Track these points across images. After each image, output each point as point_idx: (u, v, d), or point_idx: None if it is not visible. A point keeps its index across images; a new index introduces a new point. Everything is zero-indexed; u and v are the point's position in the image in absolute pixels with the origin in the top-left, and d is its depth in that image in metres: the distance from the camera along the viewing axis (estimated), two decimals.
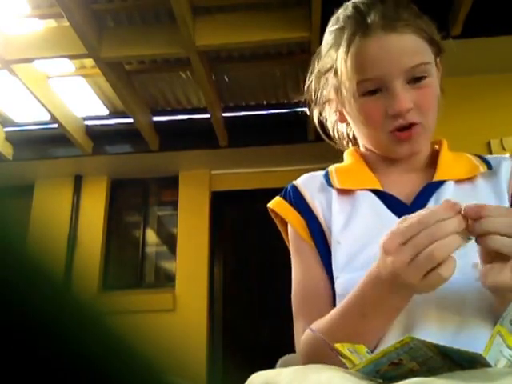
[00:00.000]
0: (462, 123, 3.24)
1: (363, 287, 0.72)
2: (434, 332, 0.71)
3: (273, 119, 4.34)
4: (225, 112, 4.39)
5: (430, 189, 0.86)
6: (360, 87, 0.84)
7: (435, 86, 0.86)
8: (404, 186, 0.89)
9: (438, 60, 0.91)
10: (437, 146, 0.97)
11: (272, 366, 0.89)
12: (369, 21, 0.83)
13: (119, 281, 4.75)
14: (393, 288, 0.67)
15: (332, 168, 0.97)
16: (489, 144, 3.25)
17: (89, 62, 3.74)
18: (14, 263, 0.25)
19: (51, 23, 3.44)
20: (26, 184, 4.76)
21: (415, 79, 0.83)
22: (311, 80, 0.96)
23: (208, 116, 4.24)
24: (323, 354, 0.70)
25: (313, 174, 0.99)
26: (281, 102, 4.30)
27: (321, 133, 1.00)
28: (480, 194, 0.85)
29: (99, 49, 3.37)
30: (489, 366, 0.50)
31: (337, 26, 0.89)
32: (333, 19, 0.92)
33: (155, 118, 4.52)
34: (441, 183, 0.86)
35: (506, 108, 3.33)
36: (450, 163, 0.90)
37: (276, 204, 0.95)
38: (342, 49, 0.86)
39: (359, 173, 0.93)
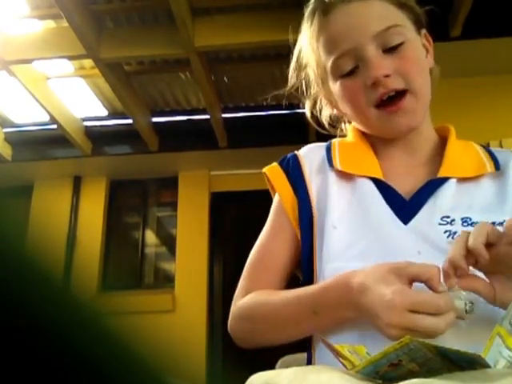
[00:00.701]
0: (461, 124, 3.20)
1: (328, 287, 0.73)
2: None
3: (272, 120, 4.35)
4: (224, 113, 4.39)
5: (431, 186, 0.82)
6: (335, 68, 0.80)
7: (417, 53, 0.81)
8: (406, 178, 0.85)
9: (422, 31, 0.86)
10: (443, 133, 0.93)
11: (272, 366, 0.90)
12: None
13: (118, 282, 4.74)
14: (355, 306, 0.68)
15: (335, 142, 0.92)
16: (488, 145, 3.25)
17: (88, 62, 3.74)
18: (13, 264, 0.25)
19: (50, 24, 3.44)
20: (25, 185, 4.75)
21: (391, 48, 0.78)
22: (291, 75, 0.93)
23: (207, 117, 4.24)
24: (255, 325, 0.81)
25: (317, 144, 0.94)
26: (280, 102, 4.29)
27: (317, 128, 0.95)
28: (481, 195, 0.81)
29: (98, 49, 3.37)
30: (488, 366, 0.50)
31: (306, 12, 0.85)
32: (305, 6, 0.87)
33: (154, 119, 4.52)
34: (443, 181, 0.82)
35: (506, 109, 3.33)
36: (457, 157, 0.85)
37: (271, 171, 0.92)
38: (307, 33, 0.83)
39: (362, 155, 0.88)
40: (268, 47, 3.60)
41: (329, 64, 0.81)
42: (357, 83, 0.79)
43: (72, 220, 4.76)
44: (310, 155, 0.91)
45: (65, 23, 3.15)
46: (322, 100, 0.92)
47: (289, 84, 0.93)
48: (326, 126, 0.95)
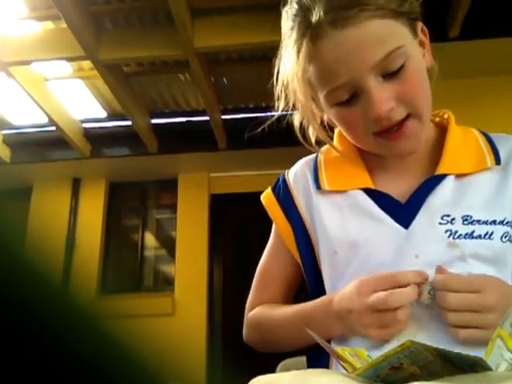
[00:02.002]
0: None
1: (316, 305, 0.78)
2: None
3: (272, 121, 4.34)
4: (224, 114, 4.40)
5: (428, 185, 0.78)
6: (330, 98, 0.74)
7: (417, 66, 0.73)
8: (401, 179, 0.81)
9: (418, 25, 0.77)
10: (442, 120, 0.89)
11: (272, 370, 0.90)
12: (313, 20, 0.70)
13: (118, 284, 4.75)
14: (337, 318, 0.74)
15: (321, 160, 0.88)
16: None
17: (87, 64, 3.75)
18: (12, 266, 0.25)
19: (49, 25, 3.44)
20: (24, 187, 4.77)
21: (391, 73, 0.71)
22: (279, 89, 0.84)
23: (207, 118, 4.25)
24: (262, 333, 0.89)
25: (306, 161, 0.92)
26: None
27: (300, 139, 0.86)
28: (481, 191, 0.77)
29: (97, 51, 3.37)
30: (490, 369, 0.50)
31: (287, 26, 0.77)
32: (283, 13, 0.79)
33: (154, 121, 4.53)
34: (441, 178, 0.78)
35: (505, 110, 3.34)
36: (456, 152, 0.80)
37: (266, 199, 0.93)
38: (293, 58, 0.75)
39: (350, 168, 0.84)
40: (267, 48, 3.58)
41: (323, 93, 0.74)
42: (355, 113, 0.73)
43: (71, 222, 4.77)
44: (297, 179, 0.89)
45: (63, 24, 3.16)
46: (308, 120, 0.84)
47: (277, 108, 0.86)
48: (313, 142, 0.87)
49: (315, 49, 0.71)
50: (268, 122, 0.90)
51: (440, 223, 0.74)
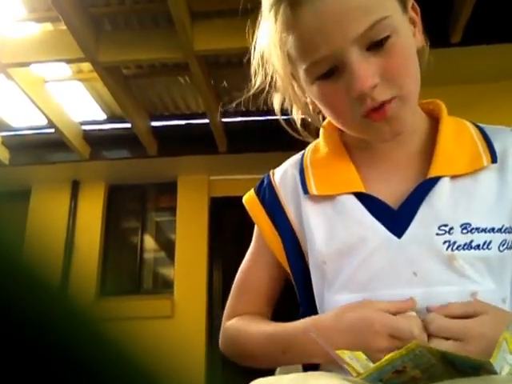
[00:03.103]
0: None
1: (297, 332, 0.73)
2: None
3: (272, 125, 4.34)
4: (224, 117, 4.40)
5: (422, 190, 0.72)
6: (310, 72, 0.68)
7: (405, 43, 0.68)
8: (393, 183, 0.76)
9: (409, 2, 0.72)
10: (432, 110, 0.83)
11: (271, 373, 0.88)
12: None
13: (117, 287, 4.75)
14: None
15: (307, 160, 0.83)
16: None
17: (86, 66, 3.75)
18: (11, 269, 0.25)
19: (48, 27, 3.44)
20: (23, 189, 4.77)
21: (375, 43, 0.65)
22: (256, 63, 0.80)
23: (207, 121, 4.26)
24: (237, 348, 0.85)
25: (292, 162, 0.86)
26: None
27: (284, 125, 0.82)
28: (479, 195, 0.72)
29: (97, 53, 3.37)
30: (495, 373, 0.49)
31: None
32: None
33: (153, 123, 4.54)
34: (435, 181, 0.72)
35: (506, 115, 3.35)
36: (450, 149, 0.75)
37: (249, 203, 0.87)
38: (271, 27, 0.70)
39: (338, 169, 0.78)
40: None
41: (303, 67, 0.69)
42: (338, 89, 0.67)
43: (70, 225, 4.78)
44: (285, 181, 0.83)
45: (63, 26, 3.16)
46: (291, 98, 0.80)
47: (253, 83, 0.81)
48: (299, 126, 0.83)
49: (293, 17, 0.65)
50: (244, 97, 0.85)
51: (437, 234, 0.69)
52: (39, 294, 0.26)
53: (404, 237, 0.70)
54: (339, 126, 0.76)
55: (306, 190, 0.78)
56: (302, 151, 0.86)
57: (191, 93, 4.20)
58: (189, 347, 4.09)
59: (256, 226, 0.88)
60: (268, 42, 0.73)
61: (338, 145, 0.81)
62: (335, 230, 0.74)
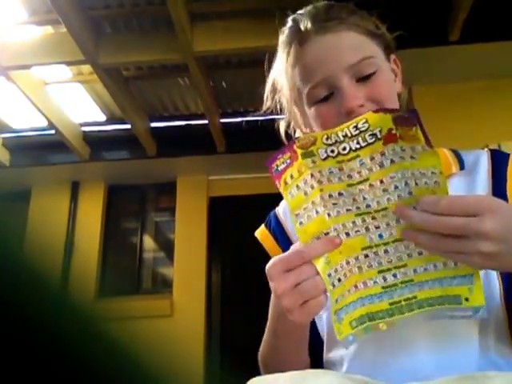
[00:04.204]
0: (461, 128, 3.26)
1: (272, 309, 0.80)
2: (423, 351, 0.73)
3: (270, 125, 4.35)
4: (222, 118, 4.40)
5: None
6: (311, 95, 0.82)
7: (388, 78, 0.83)
8: None
9: (392, 56, 0.88)
10: None
11: None
12: (302, 28, 0.82)
13: (116, 287, 4.75)
14: (281, 312, 0.70)
15: None
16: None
17: (86, 68, 3.75)
18: (11, 269, 0.25)
19: (48, 29, 3.45)
20: (23, 190, 4.77)
21: (364, 77, 0.79)
22: (267, 97, 0.95)
23: (206, 122, 4.25)
24: (263, 361, 0.89)
25: None
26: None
27: (301, 131, 0.95)
28: (450, 192, 0.80)
29: (97, 55, 3.37)
30: None
31: (281, 39, 0.88)
32: (280, 33, 0.90)
33: (153, 124, 4.54)
34: None
35: (504, 113, 3.35)
36: None
37: (260, 234, 0.99)
38: (283, 61, 0.86)
39: None
40: (266, 53, 3.60)
41: (305, 91, 0.83)
42: (331, 110, 0.80)
43: (70, 225, 4.77)
44: (285, 215, 0.96)
45: (63, 29, 3.17)
46: (295, 123, 0.94)
47: (264, 106, 0.96)
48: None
49: (301, 52, 0.82)
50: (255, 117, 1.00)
51: None
52: (40, 293, 0.26)
53: None
54: None
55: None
56: None
57: (190, 94, 4.21)
58: (188, 346, 4.10)
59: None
60: (281, 72, 0.88)
61: None
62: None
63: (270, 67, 0.94)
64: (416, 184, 0.61)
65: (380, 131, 0.61)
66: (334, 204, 0.64)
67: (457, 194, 0.77)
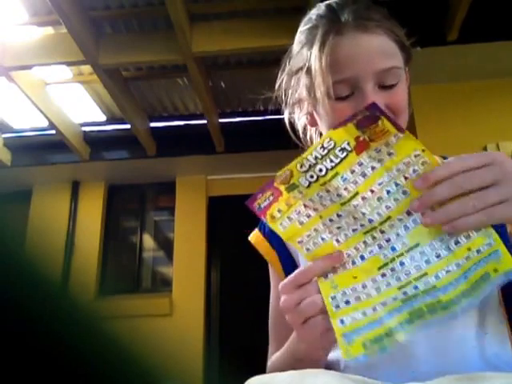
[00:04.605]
0: (459, 128, 3.27)
1: (293, 341, 0.77)
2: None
3: (269, 125, 4.36)
4: (221, 118, 4.40)
5: None
6: (333, 90, 0.80)
7: (404, 90, 0.83)
8: None
9: (407, 69, 0.88)
10: None
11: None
12: (342, 19, 0.81)
13: (116, 286, 4.75)
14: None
15: None
16: (485, 148, 3.26)
17: (86, 68, 3.76)
18: (12, 268, 0.25)
19: (49, 30, 3.45)
20: (24, 189, 4.77)
21: (387, 86, 0.80)
22: (282, 79, 0.92)
23: (205, 122, 4.26)
24: None
25: None
26: (277, 107, 4.31)
27: (292, 136, 0.96)
28: None
29: (97, 55, 3.38)
30: None
31: (310, 25, 0.85)
32: (305, 20, 0.88)
33: (152, 124, 4.54)
34: None
35: (502, 113, 3.34)
36: None
37: (254, 238, 0.99)
38: (316, 47, 0.82)
39: None
40: (265, 53, 3.62)
41: (329, 83, 0.81)
42: (348, 109, 0.79)
43: (70, 224, 4.77)
44: None
45: (64, 30, 3.17)
46: (303, 109, 0.92)
47: (276, 86, 0.93)
48: (301, 133, 0.97)
49: (337, 42, 0.80)
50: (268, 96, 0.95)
51: None
52: (40, 292, 0.26)
53: None
54: None
55: None
56: None
57: (189, 94, 4.21)
58: (187, 344, 4.10)
59: (268, 263, 0.98)
60: (313, 59, 0.83)
61: None
62: None
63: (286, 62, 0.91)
64: (405, 178, 0.59)
65: (348, 143, 0.60)
66: (338, 228, 0.63)
67: None
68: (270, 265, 0.98)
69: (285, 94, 0.92)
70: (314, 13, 0.87)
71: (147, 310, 4.31)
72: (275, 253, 0.94)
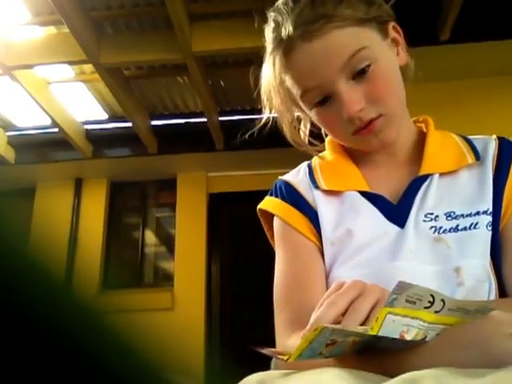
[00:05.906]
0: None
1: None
2: None
3: (268, 123, 4.37)
4: (221, 116, 4.42)
5: (416, 185, 0.83)
6: (306, 99, 0.80)
7: (386, 68, 0.78)
8: (391, 182, 0.86)
9: (390, 24, 0.82)
10: (422, 125, 0.93)
11: (267, 363, 0.91)
12: (284, 34, 0.77)
13: (119, 281, 4.78)
14: None
15: (316, 164, 0.93)
16: None
17: (88, 67, 3.78)
18: (17, 264, 0.25)
19: (51, 30, 3.47)
20: (28, 187, 4.79)
21: (358, 72, 0.75)
22: (262, 97, 0.90)
23: (205, 120, 4.27)
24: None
25: (296, 170, 0.96)
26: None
27: (288, 137, 0.92)
28: (462, 187, 0.82)
29: (98, 55, 3.39)
30: (381, 338, 0.49)
31: (266, 41, 0.84)
32: (265, 29, 0.85)
33: (153, 122, 4.55)
34: (426, 177, 0.83)
35: (495, 112, 3.34)
36: (437, 152, 0.86)
37: (266, 203, 0.91)
38: (271, 71, 0.82)
39: (345, 171, 0.89)
40: (263, 52, 3.64)
41: (299, 98, 0.81)
42: (331, 114, 0.79)
43: (73, 221, 4.79)
44: (296, 179, 0.91)
45: (66, 29, 3.18)
46: (299, 121, 0.92)
47: (263, 113, 0.91)
48: (306, 142, 0.94)
49: (288, 60, 0.78)
50: (257, 127, 0.96)
51: (424, 220, 0.79)
52: (44, 288, 0.26)
53: (405, 226, 0.80)
54: (337, 141, 0.89)
55: (316, 186, 0.88)
56: (307, 162, 0.97)
57: (189, 93, 4.23)
58: (189, 338, 4.09)
59: (277, 227, 0.89)
60: (268, 82, 0.85)
61: (343, 153, 0.92)
62: (343, 218, 0.84)
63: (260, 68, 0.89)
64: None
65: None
66: None
67: (471, 185, 0.82)
68: (280, 225, 0.89)
69: (270, 102, 0.89)
70: (268, 24, 0.84)
71: (149, 304, 4.35)
72: (304, 216, 0.86)
